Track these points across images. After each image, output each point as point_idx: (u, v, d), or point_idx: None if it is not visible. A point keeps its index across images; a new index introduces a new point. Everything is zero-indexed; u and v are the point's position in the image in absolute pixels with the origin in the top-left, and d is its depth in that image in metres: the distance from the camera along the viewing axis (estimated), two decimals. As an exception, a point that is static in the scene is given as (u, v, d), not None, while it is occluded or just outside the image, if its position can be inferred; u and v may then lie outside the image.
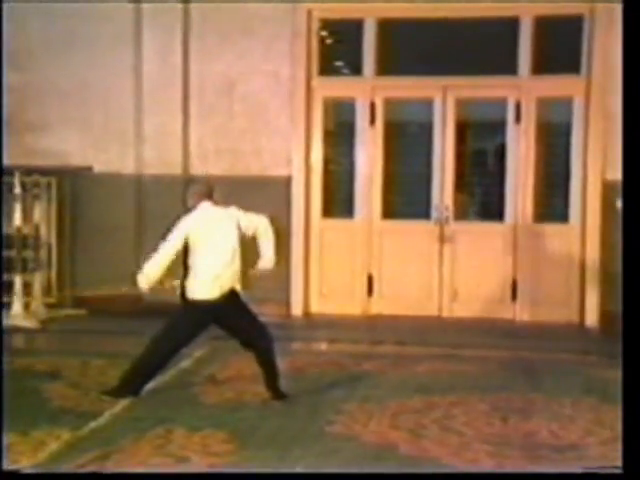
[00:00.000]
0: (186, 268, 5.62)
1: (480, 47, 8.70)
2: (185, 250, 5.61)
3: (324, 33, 9.01)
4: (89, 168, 8.92)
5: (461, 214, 8.91)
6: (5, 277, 8.60)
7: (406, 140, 9.25)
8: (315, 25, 8.89)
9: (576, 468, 4.44)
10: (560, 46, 8.54)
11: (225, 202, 8.75)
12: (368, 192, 8.94)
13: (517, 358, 7.10)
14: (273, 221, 5.89)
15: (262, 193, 8.80)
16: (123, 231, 8.76)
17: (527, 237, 8.68)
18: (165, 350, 5.71)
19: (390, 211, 8.97)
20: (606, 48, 8.17)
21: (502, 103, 8.72)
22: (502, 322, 8.54)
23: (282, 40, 8.79)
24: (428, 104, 8.85)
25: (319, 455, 4.68)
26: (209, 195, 5.78)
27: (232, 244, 5.64)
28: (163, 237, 5.64)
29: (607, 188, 8.29)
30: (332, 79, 9.09)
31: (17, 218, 8.38)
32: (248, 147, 8.93)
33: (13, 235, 8.50)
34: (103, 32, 8.72)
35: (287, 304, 8.89)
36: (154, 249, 5.54)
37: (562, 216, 8.66)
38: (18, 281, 8.38)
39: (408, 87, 8.91)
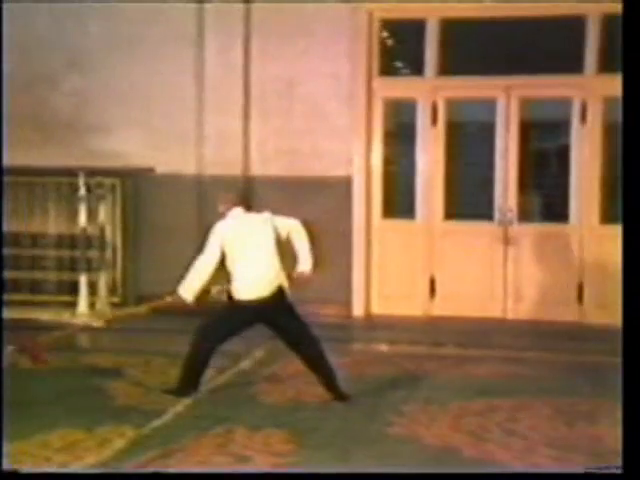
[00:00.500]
0: (229, 272, 5.66)
1: (544, 46, 8.57)
2: (224, 255, 5.65)
3: (384, 33, 8.97)
4: (151, 169, 9.01)
5: (525, 216, 8.78)
6: (71, 277, 8.77)
7: (468, 141, 9.15)
8: (376, 26, 8.85)
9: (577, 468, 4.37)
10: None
11: (284, 202, 8.87)
12: (429, 193, 8.87)
13: (583, 362, 6.96)
14: (305, 225, 5.90)
15: (322, 194, 8.82)
16: (184, 231, 8.81)
17: (593, 239, 8.53)
18: (209, 344, 5.72)
19: (452, 212, 8.88)
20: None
21: (567, 103, 8.58)
22: (568, 325, 8.40)
23: (343, 41, 8.76)
24: (491, 104, 8.75)
25: (379, 457, 4.65)
26: (241, 201, 5.82)
27: (269, 246, 5.69)
28: (201, 245, 5.69)
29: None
30: (393, 80, 9.05)
31: (82, 219, 8.51)
32: (308, 148, 8.93)
33: (78, 235, 8.63)
34: (165, 34, 8.80)
35: (348, 305, 8.86)
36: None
37: (629, 218, 8.48)
38: (83, 281, 8.50)
39: (470, 87, 8.82)
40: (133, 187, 9.08)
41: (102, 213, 8.82)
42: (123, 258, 9.02)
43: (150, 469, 4.39)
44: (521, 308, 8.68)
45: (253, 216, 5.82)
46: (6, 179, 8.81)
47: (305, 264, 5.80)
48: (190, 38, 8.81)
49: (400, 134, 9.20)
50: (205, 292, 5.83)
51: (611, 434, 5.02)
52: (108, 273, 8.88)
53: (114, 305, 8.79)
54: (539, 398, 5.75)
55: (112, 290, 8.92)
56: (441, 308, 8.86)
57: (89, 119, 9.05)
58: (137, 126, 9.02)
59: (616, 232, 8.33)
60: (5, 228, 8.96)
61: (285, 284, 5.74)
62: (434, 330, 8.43)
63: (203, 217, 8.96)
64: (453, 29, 8.73)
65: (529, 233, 8.68)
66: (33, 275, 9.03)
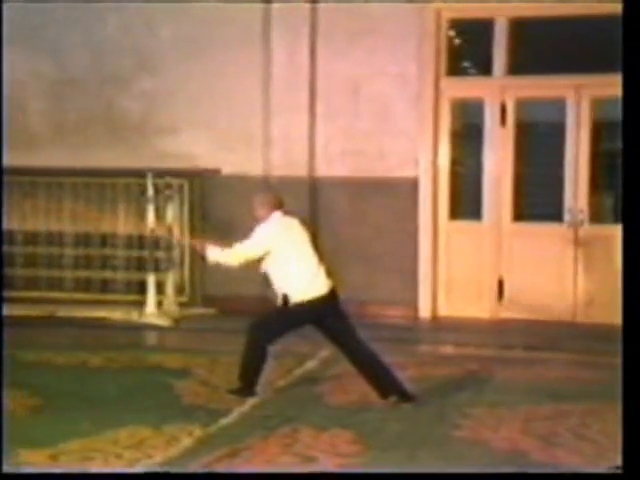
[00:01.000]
0: (278, 275, 5.68)
1: (615, 44, 8.37)
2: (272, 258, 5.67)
3: (452, 33, 8.89)
4: (217, 170, 9.08)
5: (596, 217, 8.61)
6: (139, 277, 8.89)
7: (537, 141, 9.01)
8: (444, 25, 8.79)
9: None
10: None
11: (350, 203, 8.87)
12: (497, 194, 8.76)
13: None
14: (304, 222, 5.89)
15: (388, 195, 8.79)
16: (250, 232, 8.84)
17: (667, 240, 8.31)
18: (262, 344, 5.71)
19: (520, 213, 8.76)
20: None
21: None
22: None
23: (409, 41, 8.71)
24: (561, 104, 8.61)
25: (446, 459, 4.59)
26: (279, 205, 5.82)
27: (310, 246, 5.75)
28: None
29: None
30: (460, 79, 8.97)
31: (150, 219, 8.61)
32: (374, 148, 8.89)
33: (147, 236, 8.74)
34: (232, 34, 8.84)
35: (414, 306, 8.80)
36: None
37: None
38: (151, 280, 8.61)
39: (540, 86, 8.70)
40: (200, 188, 9.16)
41: (170, 213, 8.91)
42: (190, 258, 9.11)
43: (217, 468, 4.41)
44: (591, 311, 8.51)
45: (290, 220, 5.85)
46: (79, 180, 9.00)
47: None
48: (256, 39, 8.85)
49: (467, 134, 9.11)
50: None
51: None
52: (175, 273, 8.97)
53: (181, 305, 8.87)
54: (610, 403, 5.61)
55: (179, 290, 9.02)
56: (509, 310, 8.74)
57: (158, 121, 9.16)
58: (204, 127, 9.10)
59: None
60: (77, 229, 9.15)
61: (335, 284, 5.72)
62: (502, 332, 8.33)
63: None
64: (522, 28, 8.61)
65: (600, 234, 8.51)
66: (103, 275, 9.18)
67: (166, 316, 8.46)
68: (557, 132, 8.68)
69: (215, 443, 4.78)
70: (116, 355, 6.87)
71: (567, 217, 8.59)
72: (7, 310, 8.70)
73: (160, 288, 8.70)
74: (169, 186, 8.93)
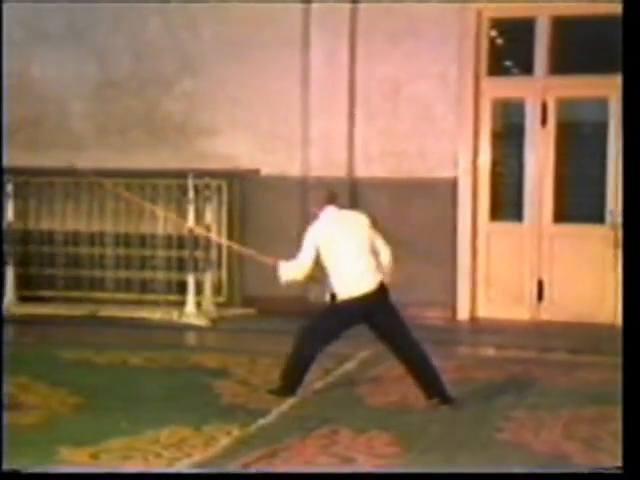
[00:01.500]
0: (329, 272, 5.65)
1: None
2: (321, 256, 5.64)
3: (493, 33, 8.83)
4: (257, 171, 9.10)
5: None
6: (179, 277, 8.94)
7: (579, 141, 8.92)
8: (484, 25, 8.72)
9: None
10: None
11: (389, 204, 8.84)
12: (538, 195, 8.69)
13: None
14: (375, 223, 5.82)
15: (427, 195, 8.75)
16: (288, 232, 8.82)
17: None
18: (312, 346, 5.70)
19: (562, 214, 8.67)
20: None
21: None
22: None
23: (450, 41, 8.66)
24: (603, 103, 8.50)
25: (487, 462, 4.55)
26: (333, 200, 5.78)
27: (365, 242, 5.65)
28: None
29: None
30: (501, 79, 8.90)
31: (190, 219, 8.66)
32: (413, 149, 8.86)
33: (186, 236, 8.79)
34: (272, 35, 8.85)
35: (453, 308, 8.75)
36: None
37: None
38: (191, 280, 8.65)
39: (582, 86, 8.60)
40: (239, 189, 9.19)
41: (209, 214, 8.96)
42: (228, 258, 9.14)
43: (255, 468, 4.42)
44: (634, 314, 8.39)
45: (346, 214, 5.82)
46: (121, 181, 9.06)
47: (385, 266, 5.72)
48: (296, 39, 8.85)
49: (508, 135, 9.03)
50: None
51: None
52: (214, 273, 9.01)
53: (219, 305, 8.91)
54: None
55: (218, 290, 9.05)
56: (549, 312, 8.66)
57: (198, 122, 9.20)
58: (244, 128, 9.13)
59: None
60: (118, 229, 9.23)
61: (386, 281, 5.67)
62: (542, 335, 8.24)
63: (307, 219, 9.01)
64: (564, 27, 8.52)
65: (643, 236, 8.38)
66: (143, 275, 9.24)
67: (205, 316, 8.49)
68: (599, 132, 8.58)
69: (254, 443, 4.79)
70: (156, 355, 6.92)
71: (609, 218, 8.48)
72: (49, 309, 8.84)
73: (199, 288, 8.74)
74: (208, 187, 8.96)
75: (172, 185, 9.08)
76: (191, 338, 8.12)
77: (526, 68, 8.78)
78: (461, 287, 8.76)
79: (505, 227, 8.86)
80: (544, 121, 8.63)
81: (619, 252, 8.42)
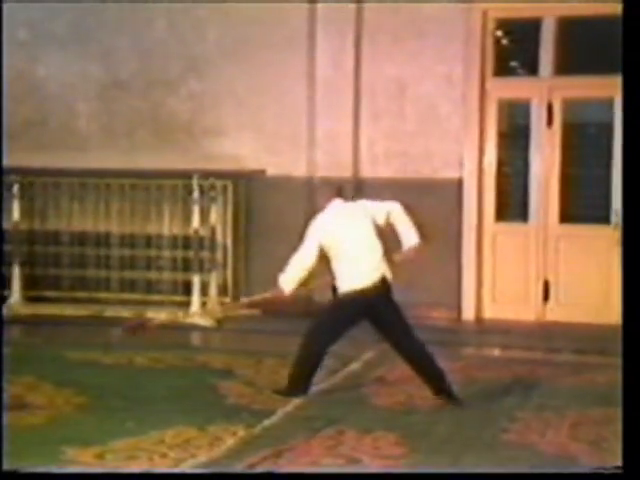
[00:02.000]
0: (331, 266, 5.63)
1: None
2: (325, 249, 5.62)
3: (499, 33, 8.82)
4: (262, 171, 9.10)
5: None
6: (184, 277, 8.95)
7: (584, 142, 8.91)
8: (490, 25, 8.71)
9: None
10: None
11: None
12: (544, 195, 8.68)
13: None
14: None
15: (433, 196, 8.73)
16: (294, 232, 8.76)
17: None
18: (319, 345, 5.70)
19: (567, 215, 8.66)
20: None
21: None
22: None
23: (455, 41, 8.65)
24: (608, 104, 8.48)
25: (493, 463, 4.54)
26: (340, 193, 5.79)
27: (369, 235, 5.62)
28: (301, 237, 5.69)
29: None
30: (507, 80, 8.89)
31: (195, 220, 8.66)
32: (419, 150, 8.85)
33: (191, 236, 8.80)
34: (277, 36, 8.85)
35: (458, 309, 8.74)
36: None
37: None
38: (196, 281, 8.65)
39: (587, 86, 8.58)
40: (245, 189, 9.19)
41: (214, 214, 8.96)
42: (234, 259, 9.14)
43: (260, 469, 4.41)
44: (639, 314, 8.37)
45: (352, 206, 5.80)
46: (125, 182, 9.08)
47: (411, 239, 5.67)
48: (302, 39, 8.84)
49: (514, 135, 9.03)
50: (304, 285, 5.80)
51: None
52: (219, 273, 9.02)
53: (224, 305, 8.90)
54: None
55: (223, 290, 9.05)
56: (555, 313, 8.64)
57: (204, 123, 9.21)
58: (250, 129, 9.13)
59: None
60: (124, 230, 9.24)
61: (389, 274, 5.64)
62: (548, 335, 8.24)
63: (312, 219, 9.00)
64: (570, 27, 8.51)
65: (649, 236, 8.37)
66: (148, 275, 9.25)
67: (210, 317, 8.49)
68: (605, 132, 8.56)
69: (259, 444, 4.78)
70: (161, 355, 6.92)
71: (614, 219, 8.46)
72: (55, 310, 8.85)
73: (204, 288, 8.74)
74: (213, 187, 8.96)
75: (178, 186, 9.08)
76: (196, 338, 8.11)
77: (532, 68, 8.77)
78: (466, 288, 8.75)
79: (511, 227, 8.85)
80: (550, 122, 8.62)
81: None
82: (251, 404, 5.59)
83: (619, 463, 4.40)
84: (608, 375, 6.41)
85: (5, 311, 8.76)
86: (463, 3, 8.57)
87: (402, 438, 4.89)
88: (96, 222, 9.32)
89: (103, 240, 9.32)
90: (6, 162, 9.00)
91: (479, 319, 8.76)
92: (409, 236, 5.68)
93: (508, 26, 8.80)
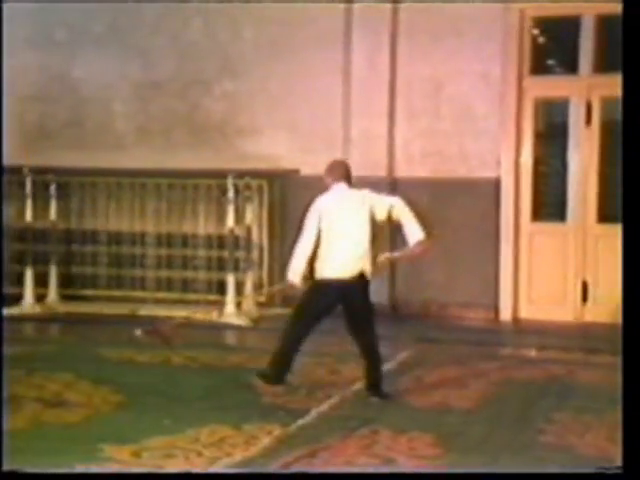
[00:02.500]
0: (320, 250, 5.63)
1: None
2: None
3: (536, 31, 8.74)
4: (297, 171, 9.09)
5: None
6: (219, 276, 8.97)
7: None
8: (527, 24, 8.64)
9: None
10: None
11: (430, 204, 8.78)
12: (582, 195, 8.58)
13: None
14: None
15: (469, 195, 8.69)
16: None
17: None
18: (296, 333, 5.74)
19: (606, 214, 8.55)
20: None
21: None
22: None
23: (492, 40, 8.59)
24: (649, 101, 8.36)
25: (530, 465, 4.49)
26: (345, 177, 5.73)
27: (363, 226, 5.59)
28: (300, 223, 5.67)
29: None
30: (544, 78, 8.81)
31: (230, 220, 8.68)
32: (455, 149, 8.80)
33: (226, 236, 8.82)
34: (313, 35, 8.85)
35: (495, 309, 8.67)
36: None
37: None
38: (231, 280, 8.66)
39: (627, 84, 8.46)
40: (279, 189, 9.19)
41: (249, 214, 8.97)
42: (269, 258, 9.15)
43: (295, 468, 4.41)
44: (680, 316, 8.25)
45: (354, 193, 5.75)
46: (161, 181, 9.12)
47: (416, 234, 5.60)
48: (337, 39, 8.83)
49: (551, 134, 8.93)
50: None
51: None
52: (254, 273, 9.02)
53: (260, 305, 8.91)
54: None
55: (258, 290, 9.05)
56: (594, 314, 8.54)
57: (239, 122, 9.23)
58: (285, 129, 9.13)
59: None
60: (159, 229, 9.29)
61: (368, 268, 5.62)
62: (586, 336, 8.13)
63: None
64: (609, 25, 8.40)
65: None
66: (184, 274, 9.29)
67: (245, 316, 8.50)
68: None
69: (294, 443, 4.78)
70: (197, 354, 6.94)
71: (655, 218, 8.34)
72: (92, 308, 8.92)
73: (240, 288, 8.75)
74: (248, 187, 8.97)
75: (212, 185, 9.11)
76: (232, 338, 8.13)
77: (570, 67, 8.68)
78: (503, 288, 8.67)
79: (548, 227, 8.76)
80: (588, 120, 8.52)
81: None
82: (286, 403, 5.59)
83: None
84: (647, 377, 6.33)
85: (43, 309, 8.88)
86: (499, 2, 8.49)
87: (437, 438, 4.86)
88: (132, 221, 9.38)
89: (139, 239, 9.38)
90: (43, 162, 9.12)
91: (516, 319, 8.69)
92: (414, 231, 5.62)
93: (546, 24, 8.72)
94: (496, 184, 8.66)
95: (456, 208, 8.73)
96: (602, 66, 8.50)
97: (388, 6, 8.71)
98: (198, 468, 4.38)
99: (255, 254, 9.09)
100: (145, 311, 8.74)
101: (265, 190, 9.12)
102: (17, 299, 8.90)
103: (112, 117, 9.52)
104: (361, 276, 5.61)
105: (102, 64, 9.41)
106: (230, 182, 8.69)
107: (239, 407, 5.46)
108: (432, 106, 8.83)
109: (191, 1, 9.17)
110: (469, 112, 8.73)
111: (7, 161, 9.30)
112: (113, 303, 9.07)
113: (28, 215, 9.15)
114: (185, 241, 9.30)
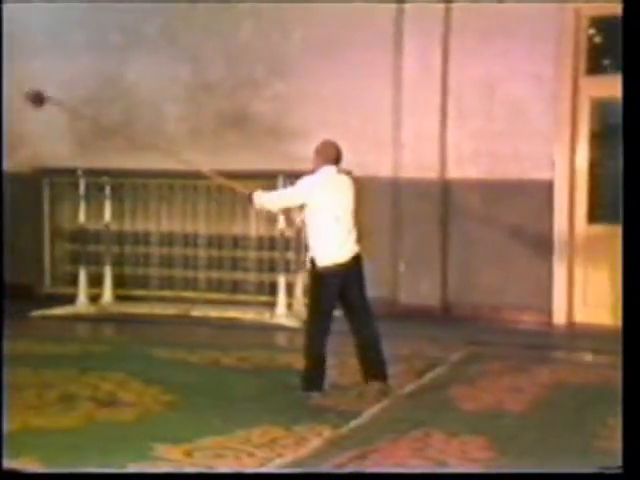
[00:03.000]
0: (312, 233, 5.66)
1: None
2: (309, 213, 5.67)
3: (592, 31, 8.60)
4: (348, 172, 9.02)
5: None
6: (270, 278, 8.98)
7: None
8: (583, 24, 8.50)
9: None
10: None
11: (482, 206, 8.71)
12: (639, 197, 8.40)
13: None
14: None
15: (521, 197, 8.58)
16: (379, 234, 8.79)
17: None
18: (317, 330, 5.69)
19: (663, 216, 8.37)
20: None
21: None
22: None
23: (546, 40, 8.46)
24: None
25: (584, 469, 4.39)
26: (334, 159, 5.69)
27: (351, 207, 5.68)
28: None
29: None
30: (600, 78, 8.65)
31: (281, 221, 8.68)
32: (507, 150, 8.68)
33: (277, 237, 8.83)
34: (363, 36, 8.79)
35: (548, 312, 8.54)
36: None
37: None
38: (282, 282, 8.67)
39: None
40: (330, 190, 9.16)
41: (298, 216, 8.94)
42: (320, 260, 9.12)
43: (346, 469, 4.39)
44: None
45: (342, 178, 5.76)
46: (212, 183, 9.15)
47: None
48: (388, 40, 8.78)
49: (607, 135, 8.77)
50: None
51: None
52: (305, 274, 9.01)
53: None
54: None
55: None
56: (650, 318, 8.36)
57: (289, 124, 9.23)
58: (335, 130, 9.03)
59: None
60: (210, 230, 9.34)
61: (360, 252, 5.67)
62: (642, 341, 7.96)
63: (398, 220, 8.95)
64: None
65: None
66: (235, 275, 9.32)
67: (296, 317, 8.50)
68: None
69: (344, 445, 4.76)
70: (248, 355, 6.96)
71: None
72: (144, 308, 9.00)
73: (290, 290, 8.76)
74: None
75: (263, 187, 9.09)
76: (282, 339, 8.13)
77: (626, 66, 8.52)
78: (557, 291, 8.53)
79: (605, 229, 8.59)
80: (645, 120, 8.36)
81: None
82: (336, 405, 5.57)
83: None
84: None
85: (97, 309, 8.99)
86: (554, 2, 8.38)
87: (490, 442, 4.81)
88: (184, 223, 9.44)
89: (190, 240, 9.44)
90: (97, 164, 9.24)
91: (570, 323, 8.54)
92: None
93: (601, 24, 8.57)
94: (550, 186, 8.52)
95: (509, 210, 8.62)
96: (659, 65, 8.33)
97: (440, 6, 8.63)
98: (249, 468, 4.39)
99: (305, 255, 9.07)
100: (197, 312, 8.80)
101: (315, 191, 9.09)
102: (71, 299, 9.03)
103: (164, 119, 9.57)
104: (357, 261, 5.63)
105: (155, 67, 9.49)
106: (280, 183, 8.69)
107: (289, 408, 5.46)
108: (484, 107, 8.73)
109: (243, 1, 9.20)
110: (522, 113, 8.62)
111: (61, 163, 9.46)
112: (165, 303, 9.14)
113: (81, 216, 9.29)
114: (236, 242, 9.33)
